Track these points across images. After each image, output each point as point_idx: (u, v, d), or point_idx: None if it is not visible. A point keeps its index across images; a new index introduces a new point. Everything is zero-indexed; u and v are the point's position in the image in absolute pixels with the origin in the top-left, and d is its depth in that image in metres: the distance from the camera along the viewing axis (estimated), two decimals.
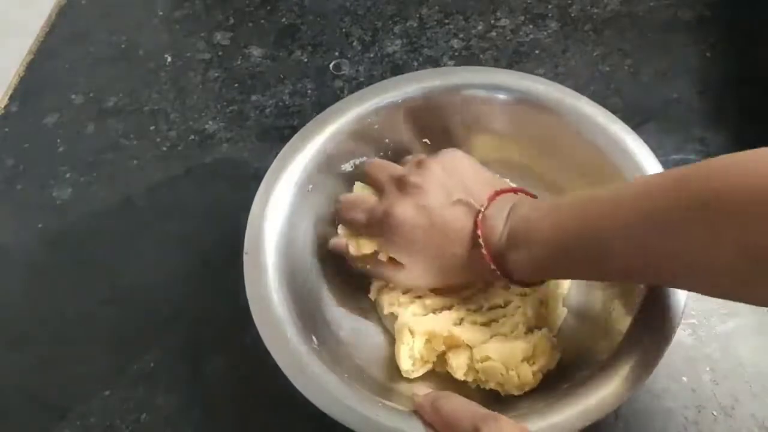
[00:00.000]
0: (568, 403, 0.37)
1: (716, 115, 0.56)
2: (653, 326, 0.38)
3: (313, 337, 0.40)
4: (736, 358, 0.44)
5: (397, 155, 0.49)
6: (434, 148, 0.50)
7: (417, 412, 0.37)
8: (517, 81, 0.49)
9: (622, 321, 0.40)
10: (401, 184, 0.42)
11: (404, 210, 0.41)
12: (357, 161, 0.48)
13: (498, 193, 0.41)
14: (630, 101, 0.56)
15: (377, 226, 0.43)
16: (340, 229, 0.45)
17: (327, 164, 0.47)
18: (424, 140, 0.50)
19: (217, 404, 0.44)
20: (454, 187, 0.41)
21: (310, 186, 0.46)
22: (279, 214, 0.44)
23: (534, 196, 0.43)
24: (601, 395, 0.36)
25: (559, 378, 0.40)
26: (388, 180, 0.44)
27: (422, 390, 0.40)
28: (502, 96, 0.49)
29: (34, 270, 0.51)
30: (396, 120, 0.49)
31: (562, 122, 0.47)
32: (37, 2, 0.66)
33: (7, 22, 0.62)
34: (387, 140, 0.49)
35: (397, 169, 0.45)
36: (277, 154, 0.55)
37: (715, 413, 0.43)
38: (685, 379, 0.44)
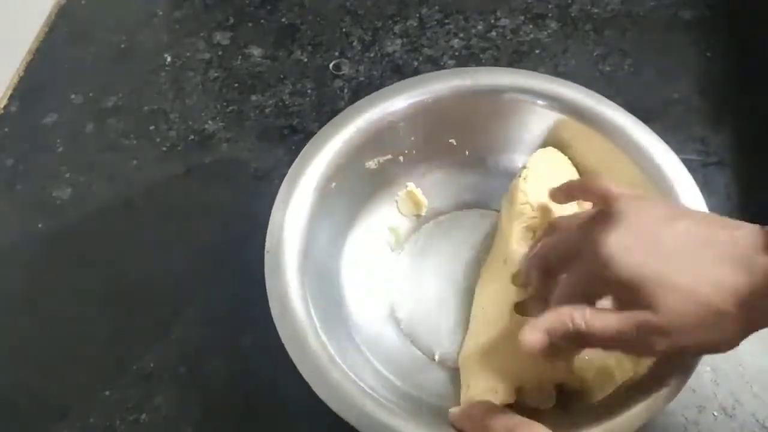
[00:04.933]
0: (593, 420, 0.36)
1: (716, 115, 0.56)
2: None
3: (332, 341, 0.40)
4: (737, 359, 0.44)
5: (421, 154, 0.49)
6: (460, 149, 0.50)
7: (454, 426, 0.37)
8: (550, 86, 0.48)
9: None
10: (600, 217, 0.34)
11: (617, 239, 0.33)
12: (382, 159, 0.48)
13: None
14: (630, 101, 0.56)
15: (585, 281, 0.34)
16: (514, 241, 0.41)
17: (352, 161, 0.46)
18: (450, 140, 0.50)
19: (216, 404, 0.44)
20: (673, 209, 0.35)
21: (334, 184, 0.45)
22: (301, 212, 0.44)
23: None
24: (626, 415, 0.36)
25: (583, 396, 0.40)
26: (571, 226, 0.36)
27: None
28: (533, 100, 0.48)
29: (34, 270, 0.51)
30: (423, 119, 0.48)
31: (593, 130, 0.47)
32: (37, 2, 0.66)
33: (7, 22, 0.62)
34: (413, 138, 0.49)
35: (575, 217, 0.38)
36: (277, 154, 0.55)
37: (715, 413, 0.43)
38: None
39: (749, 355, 0.44)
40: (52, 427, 0.44)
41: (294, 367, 0.38)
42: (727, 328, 0.31)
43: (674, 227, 0.32)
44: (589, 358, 0.41)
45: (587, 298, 0.34)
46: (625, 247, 0.32)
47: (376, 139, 0.47)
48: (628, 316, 0.32)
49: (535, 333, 0.33)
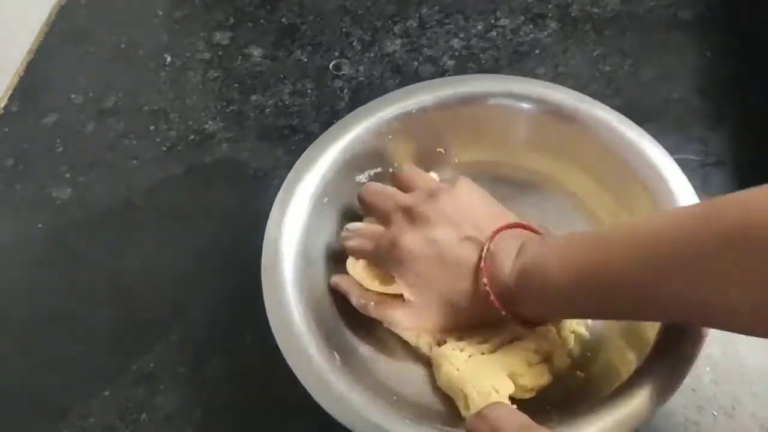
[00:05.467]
0: (590, 420, 0.36)
1: (716, 115, 0.56)
2: (679, 341, 0.38)
3: (336, 354, 0.40)
4: (737, 358, 0.44)
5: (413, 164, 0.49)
6: (448, 157, 0.50)
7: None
8: (534, 89, 0.49)
9: (651, 329, 0.40)
10: (409, 215, 0.41)
11: (413, 241, 0.40)
12: (372, 172, 0.48)
13: (502, 228, 0.40)
14: (630, 101, 0.56)
15: (384, 256, 0.41)
16: (350, 261, 0.44)
17: (342, 176, 0.47)
18: (438, 149, 0.50)
19: (217, 404, 0.44)
20: (465, 222, 0.40)
21: (326, 198, 0.46)
22: (296, 228, 0.44)
23: (539, 233, 0.41)
24: (624, 413, 0.36)
25: (585, 393, 0.40)
26: (395, 208, 0.42)
27: None
28: (517, 104, 0.48)
29: (34, 270, 0.51)
30: (410, 130, 0.49)
31: (580, 131, 0.47)
32: (37, 2, 0.66)
33: (7, 22, 0.62)
34: (401, 150, 0.49)
35: (402, 197, 0.43)
36: (276, 154, 0.55)
37: (715, 413, 0.43)
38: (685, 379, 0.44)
39: (749, 355, 0.44)
40: (52, 427, 0.44)
41: None
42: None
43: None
44: (590, 356, 0.42)
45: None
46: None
47: (365, 154, 0.48)
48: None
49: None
